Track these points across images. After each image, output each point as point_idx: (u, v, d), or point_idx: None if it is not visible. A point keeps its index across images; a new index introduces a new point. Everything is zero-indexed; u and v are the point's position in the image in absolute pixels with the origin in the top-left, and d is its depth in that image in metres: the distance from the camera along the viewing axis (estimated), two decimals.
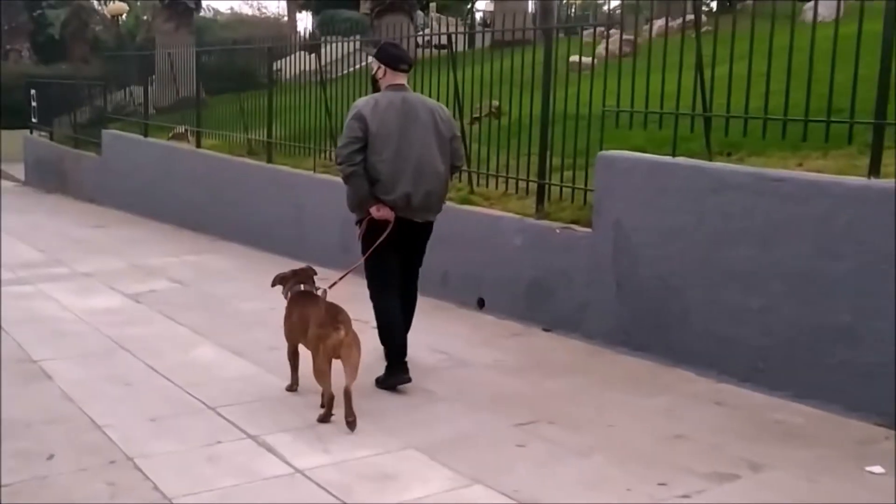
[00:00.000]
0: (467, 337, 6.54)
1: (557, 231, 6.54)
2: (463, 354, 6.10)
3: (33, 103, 19.70)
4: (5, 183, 20.15)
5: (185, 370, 5.79)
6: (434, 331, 6.54)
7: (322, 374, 4.59)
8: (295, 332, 4.97)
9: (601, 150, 6.37)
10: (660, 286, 5.78)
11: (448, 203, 7.11)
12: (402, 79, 5.15)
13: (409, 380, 5.15)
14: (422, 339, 5.94)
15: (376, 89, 5.28)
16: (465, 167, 7.48)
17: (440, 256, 7.11)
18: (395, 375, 5.11)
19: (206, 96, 16.41)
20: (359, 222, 5.19)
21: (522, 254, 6.85)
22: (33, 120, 19.81)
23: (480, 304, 7.31)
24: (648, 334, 5.89)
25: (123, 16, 28.03)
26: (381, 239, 4.99)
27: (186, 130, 13.49)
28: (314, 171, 9.82)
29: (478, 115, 9.37)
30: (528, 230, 6.84)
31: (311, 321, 4.71)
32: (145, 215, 13.42)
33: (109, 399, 5.24)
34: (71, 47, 30.25)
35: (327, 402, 4.64)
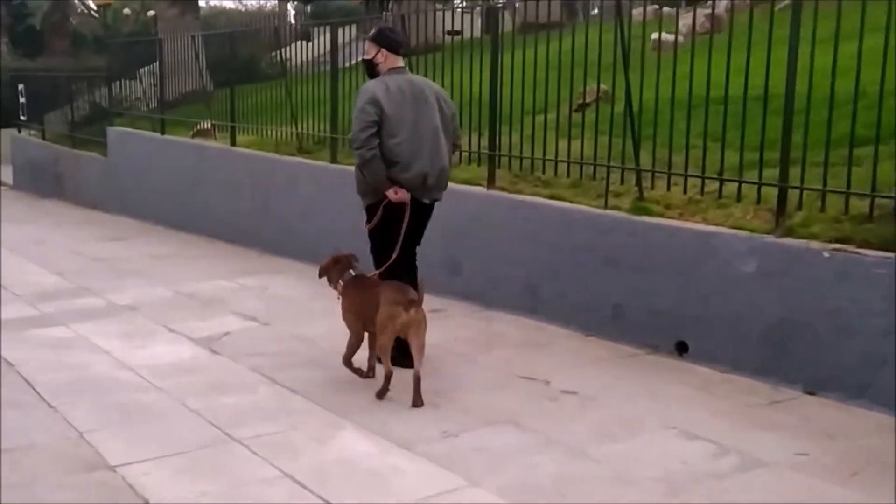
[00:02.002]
0: (711, 406, 4.59)
1: (826, 254, 4.63)
2: (740, 443, 4.12)
3: (21, 99, 17.43)
4: None
5: (346, 483, 3.82)
6: (656, 396, 4.66)
7: (386, 350, 4.58)
8: (362, 316, 4.80)
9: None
10: None
11: (616, 213, 5.87)
12: (401, 62, 5.12)
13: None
14: (653, 413, 4.14)
15: (372, 75, 5.13)
16: (632, 165, 5.99)
17: (607, 284, 5.40)
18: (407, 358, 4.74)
19: (213, 88, 14.42)
20: (369, 207, 5.09)
21: (757, 284, 4.94)
22: (22, 117, 17.54)
23: (680, 348, 5.40)
24: None
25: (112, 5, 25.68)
26: (405, 226, 4.99)
27: (213, 126, 11.41)
28: None
29: (583, 101, 7.53)
30: (765, 252, 4.93)
31: (380, 300, 4.61)
32: (167, 224, 11.33)
33: None
34: (51, 40, 27.80)
35: (386, 379, 4.61)
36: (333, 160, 8.69)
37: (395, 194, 4.91)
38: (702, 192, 5.54)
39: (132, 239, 10.68)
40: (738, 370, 5.02)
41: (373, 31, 5.22)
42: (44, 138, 16.59)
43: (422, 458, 4.01)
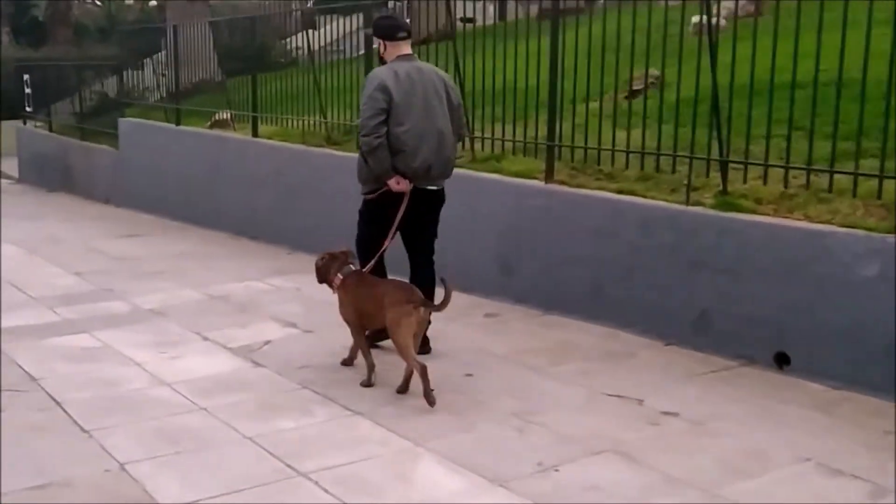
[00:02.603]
0: (842, 433, 3.97)
1: None
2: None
3: (27, 90, 16.78)
4: None
5: None
6: (773, 419, 4.10)
7: (408, 349, 4.45)
8: (361, 312, 4.76)
9: None
10: None
11: (702, 210, 5.30)
12: (406, 48, 4.94)
13: (429, 350, 5.10)
14: (778, 441, 3.66)
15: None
16: (714, 155, 5.40)
17: (692, 288, 4.83)
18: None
19: (224, 77, 13.83)
20: (368, 193, 4.96)
21: (878, 290, 4.34)
22: (27, 109, 16.89)
23: (780, 360, 4.81)
24: None
25: None
26: (401, 212, 4.85)
27: (231, 116, 10.78)
28: None
29: (634, 87, 6.94)
30: (888, 253, 4.33)
31: (385, 301, 4.53)
32: (184, 220, 10.72)
33: None
34: (53, 30, 27.10)
35: (421, 374, 4.39)
36: None
37: (397, 184, 4.80)
38: (807, 184, 4.94)
39: (150, 236, 10.07)
40: (855, 387, 4.43)
41: (372, 24, 5.16)
42: (51, 130, 15.95)
43: (522, 499, 3.42)
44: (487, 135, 7.07)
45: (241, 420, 4.31)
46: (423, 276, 5.06)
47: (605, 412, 4.30)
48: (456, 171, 7.13)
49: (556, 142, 6.33)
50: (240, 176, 9.81)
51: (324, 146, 8.85)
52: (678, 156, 5.58)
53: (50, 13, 26.65)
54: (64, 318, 6.41)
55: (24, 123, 17.14)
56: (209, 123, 11.05)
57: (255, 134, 9.91)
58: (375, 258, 4.92)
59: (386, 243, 4.89)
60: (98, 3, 28.72)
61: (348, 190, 8.02)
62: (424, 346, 4.96)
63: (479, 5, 13.81)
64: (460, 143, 5.98)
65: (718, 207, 5.23)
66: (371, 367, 4.77)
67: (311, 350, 5.46)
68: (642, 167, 6.02)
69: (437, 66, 7.34)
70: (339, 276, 4.89)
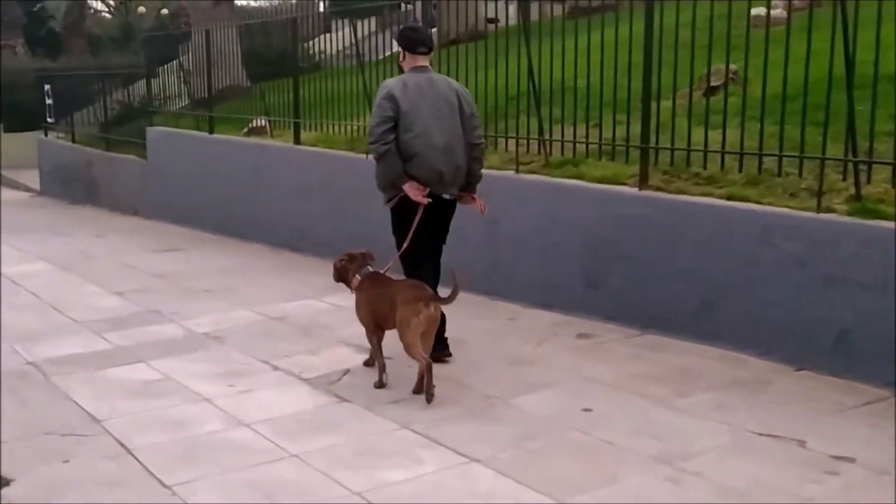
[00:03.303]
0: None
1: None
2: None
3: (48, 100, 16.20)
4: (18, 194, 16.69)
5: None
6: None
7: (415, 346, 4.43)
8: (376, 312, 4.74)
9: None
10: None
11: (832, 217, 4.75)
12: (423, 61, 5.05)
13: (451, 354, 5.09)
14: None
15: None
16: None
17: (828, 305, 4.28)
18: (436, 350, 4.77)
19: (250, 83, 13.30)
20: (388, 201, 5.02)
21: None
22: (48, 119, 16.31)
23: None
24: None
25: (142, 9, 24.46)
26: (417, 217, 4.86)
27: (268, 122, 10.20)
28: (516, 170, 6.65)
29: (712, 83, 6.35)
30: None
31: (397, 299, 4.53)
32: (221, 232, 10.14)
33: None
34: (68, 41, 26.57)
35: (426, 370, 4.45)
36: None
37: (411, 189, 4.82)
38: None
39: (188, 250, 9.49)
40: None
41: (397, 32, 5.22)
42: (73, 141, 15.37)
43: None
44: (561, 137, 6.51)
45: (340, 470, 3.71)
46: (434, 267, 5.10)
47: (763, 456, 3.69)
48: (531, 177, 6.62)
49: (655, 144, 5.72)
50: (282, 185, 9.23)
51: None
52: (806, 157, 4.95)
53: (66, 23, 26.14)
54: (115, 344, 5.83)
55: (45, 134, 16.57)
56: (245, 130, 10.46)
57: (297, 141, 9.33)
58: (391, 261, 5.00)
59: (404, 246, 4.90)
60: (112, 12, 28.18)
61: None
62: (444, 352, 5.03)
63: (502, 5, 13.36)
64: (538, 148, 5.53)
65: (855, 214, 4.63)
66: (382, 368, 4.77)
67: (397, 380, 4.85)
68: (740, 169, 5.45)
69: (507, 64, 6.81)
70: (357, 276, 4.90)
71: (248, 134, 10.40)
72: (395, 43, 5.16)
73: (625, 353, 5.17)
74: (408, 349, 4.50)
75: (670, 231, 5.43)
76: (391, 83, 4.93)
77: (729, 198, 5.27)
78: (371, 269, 4.93)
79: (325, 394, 4.72)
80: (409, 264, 5.00)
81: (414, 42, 5.02)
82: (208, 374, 5.12)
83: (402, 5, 15.95)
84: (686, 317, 5.31)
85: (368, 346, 5.45)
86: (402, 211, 4.95)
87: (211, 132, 10.89)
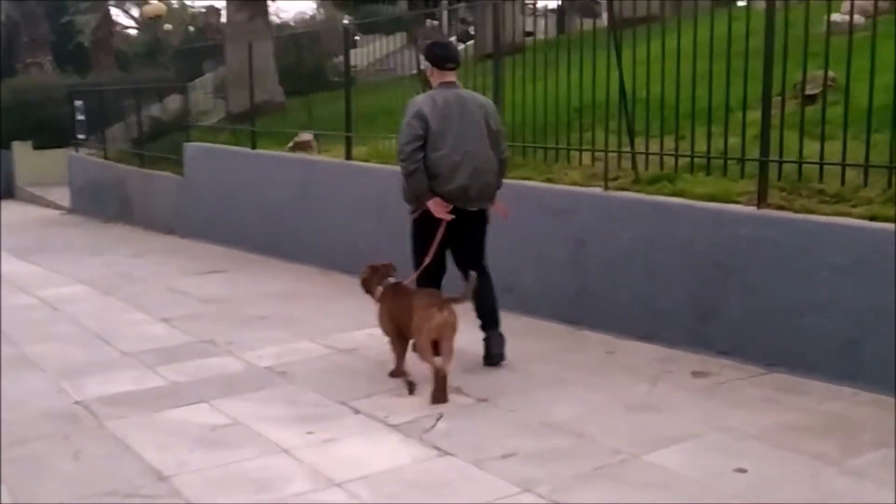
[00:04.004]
0: None
1: None
2: None
3: (79, 116, 15.70)
4: (48, 212, 16.19)
5: None
6: None
7: (426, 351, 4.52)
8: (397, 322, 4.79)
9: None
10: None
11: None
12: (451, 76, 5.03)
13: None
14: None
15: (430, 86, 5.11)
16: None
17: None
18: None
19: (284, 99, 12.78)
20: (412, 212, 5.07)
21: None
22: (79, 136, 15.81)
23: None
24: None
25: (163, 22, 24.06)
26: (439, 234, 4.90)
27: (316, 137, 9.61)
28: (605, 186, 6.00)
29: (808, 91, 5.72)
30: None
31: (414, 306, 4.60)
32: (266, 253, 9.54)
33: None
34: (96, 56, 26.20)
35: (436, 374, 4.50)
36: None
37: (435, 206, 4.86)
38: None
39: (233, 272, 8.87)
40: None
41: (424, 47, 5.29)
42: (105, 157, 14.84)
43: None
44: (645, 149, 5.91)
45: None
46: (480, 288, 4.91)
47: None
48: (622, 194, 5.96)
49: (779, 157, 5.07)
50: (334, 203, 8.60)
51: None
52: None
53: (94, 39, 25.80)
54: (170, 380, 5.20)
55: (76, 151, 16.06)
56: (290, 145, 9.87)
57: (348, 156, 8.71)
58: (416, 273, 5.03)
59: (426, 260, 4.93)
60: (140, 28, 27.83)
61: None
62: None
63: (537, 19, 12.86)
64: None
65: None
66: (404, 376, 4.84)
67: (502, 428, 4.20)
68: (865, 183, 4.83)
69: (594, 72, 6.20)
70: (380, 288, 4.96)
71: (294, 149, 9.80)
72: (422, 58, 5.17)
73: (755, 396, 4.49)
74: (420, 353, 4.60)
75: (800, 256, 4.75)
76: (420, 100, 4.96)
77: (872, 218, 4.60)
78: (393, 280, 4.98)
79: (420, 444, 4.06)
80: (426, 278, 5.03)
81: (442, 58, 5.03)
82: (281, 417, 4.48)
83: (427, 21, 15.38)
84: (824, 353, 4.62)
85: (458, 383, 4.82)
86: (424, 224, 4.99)
87: (253, 147, 10.29)
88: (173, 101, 13.83)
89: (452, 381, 4.64)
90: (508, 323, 5.34)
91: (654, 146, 5.90)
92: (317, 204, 8.85)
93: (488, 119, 5.01)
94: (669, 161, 5.87)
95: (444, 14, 16.24)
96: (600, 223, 5.87)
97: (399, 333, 4.86)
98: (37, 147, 19.82)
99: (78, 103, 15.65)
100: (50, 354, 5.88)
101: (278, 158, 9.74)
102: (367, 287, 5.10)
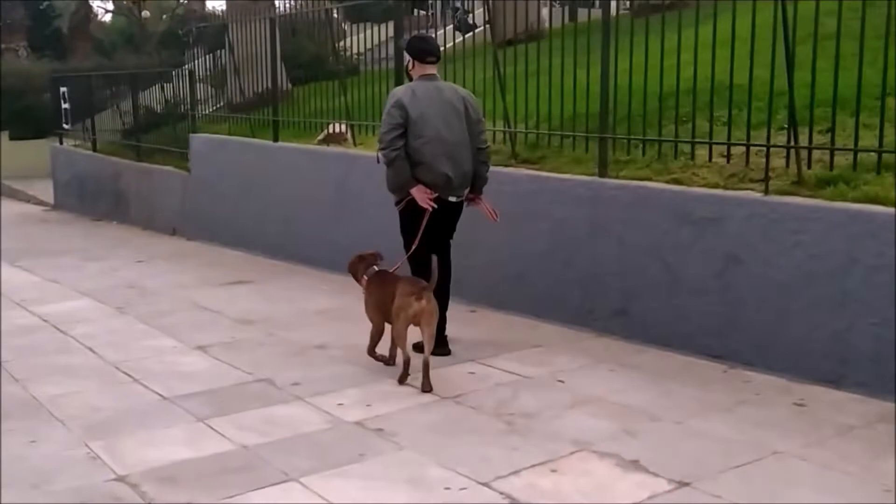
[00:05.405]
0: None
1: None
2: None
3: (64, 105, 14.21)
4: (30, 208, 14.67)
5: None
6: None
7: (400, 337, 4.62)
8: (381, 309, 4.80)
9: None
10: None
11: None
12: (431, 69, 5.12)
13: (449, 352, 5.13)
14: None
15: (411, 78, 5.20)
16: None
17: None
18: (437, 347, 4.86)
19: (289, 86, 11.46)
20: (398, 202, 5.09)
21: None
22: (65, 126, 14.31)
23: None
24: None
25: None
26: (423, 222, 4.94)
27: (351, 128, 8.29)
28: (765, 191, 4.78)
29: None
30: None
31: (395, 294, 4.60)
32: (291, 259, 8.27)
33: None
34: (73, 42, 24.57)
35: (405, 364, 4.63)
36: (603, 170, 5.61)
37: (419, 192, 4.88)
38: None
39: (261, 282, 7.55)
40: None
41: (405, 41, 5.31)
42: (94, 149, 13.38)
43: None
44: (808, 143, 4.73)
45: None
46: (444, 263, 5.02)
47: None
48: (797, 200, 4.55)
49: None
50: (380, 204, 7.29)
51: (512, 164, 6.39)
52: None
53: (72, 25, 24.17)
54: (234, 442, 3.92)
55: (60, 142, 14.56)
56: (320, 137, 8.54)
57: None
58: (400, 262, 5.02)
59: (413, 247, 4.94)
60: (121, 13, 26.15)
61: (533, 212, 5.81)
62: (444, 349, 5.08)
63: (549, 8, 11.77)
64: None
65: None
66: (384, 361, 4.91)
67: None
68: None
69: (678, 55, 5.01)
70: (365, 276, 4.96)
71: (325, 142, 8.48)
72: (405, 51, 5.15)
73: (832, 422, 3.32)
74: (394, 337, 4.71)
75: None
76: (399, 91, 5.03)
77: None
78: (378, 269, 4.97)
79: None
80: (415, 264, 4.96)
81: (423, 52, 5.10)
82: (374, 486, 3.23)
83: (416, 11, 14.06)
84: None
85: (622, 450, 3.59)
86: (410, 213, 5.02)
87: (275, 139, 8.96)
88: (167, 89, 12.40)
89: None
90: (623, 353, 4.19)
91: (819, 140, 4.71)
92: (359, 203, 7.54)
93: (468, 109, 5.04)
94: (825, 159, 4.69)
95: (438, 4, 14.95)
96: (758, 236, 4.66)
97: (385, 321, 4.81)
98: (13, 138, 18.28)
99: (63, 90, 14.15)
100: (66, 398, 4.58)
101: (307, 152, 8.41)
102: (354, 275, 5.08)
